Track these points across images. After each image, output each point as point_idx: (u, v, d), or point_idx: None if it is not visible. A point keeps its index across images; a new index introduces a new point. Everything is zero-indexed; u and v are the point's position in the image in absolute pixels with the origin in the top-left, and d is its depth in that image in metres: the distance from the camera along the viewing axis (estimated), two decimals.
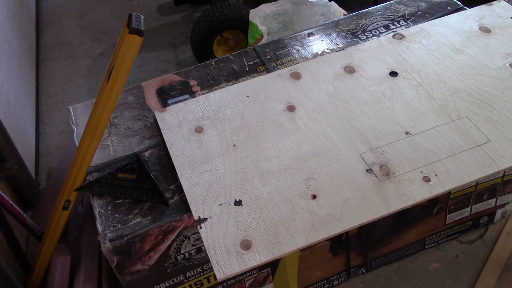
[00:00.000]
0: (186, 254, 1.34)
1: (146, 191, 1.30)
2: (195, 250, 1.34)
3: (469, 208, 1.65)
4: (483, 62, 1.49)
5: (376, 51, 1.60)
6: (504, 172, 1.58)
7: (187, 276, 1.40)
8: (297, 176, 1.28)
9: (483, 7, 1.69)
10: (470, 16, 1.67)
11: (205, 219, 1.20)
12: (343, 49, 1.63)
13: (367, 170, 1.28)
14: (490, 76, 1.46)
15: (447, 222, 1.66)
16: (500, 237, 1.73)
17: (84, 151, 1.30)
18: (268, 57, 1.66)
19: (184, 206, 1.26)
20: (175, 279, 1.39)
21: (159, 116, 1.47)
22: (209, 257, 1.13)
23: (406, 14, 1.76)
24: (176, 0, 2.83)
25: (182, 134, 1.41)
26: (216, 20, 2.30)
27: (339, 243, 1.52)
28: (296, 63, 1.61)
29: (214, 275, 1.11)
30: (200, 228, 1.19)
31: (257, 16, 2.29)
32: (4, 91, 2.00)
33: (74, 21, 3.03)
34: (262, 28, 2.26)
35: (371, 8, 1.82)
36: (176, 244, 1.30)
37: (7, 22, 2.36)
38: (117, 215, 1.26)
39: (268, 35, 2.29)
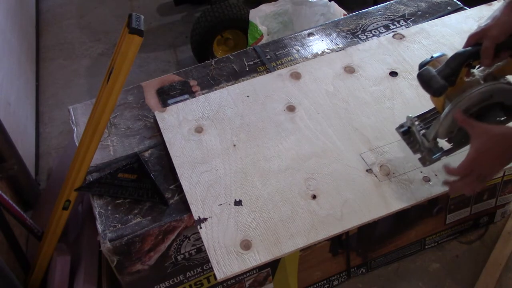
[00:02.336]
0: (186, 254, 1.34)
1: (146, 191, 1.30)
2: (195, 250, 1.34)
3: (469, 208, 1.65)
4: None
5: (376, 51, 1.60)
6: (504, 172, 1.58)
7: (187, 276, 1.40)
8: (297, 176, 1.28)
9: (483, 7, 1.69)
10: (470, 16, 1.67)
11: (205, 219, 1.20)
12: (343, 49, 1.63)
13: (367, 170, 1.28)
14: None
15: (447, 222, 1.66)
16: (500, 237, 1.73)
17: (84, 151, 1.30)
18: (268, 57, 1.66)
19: (184, 206, 1.26)
20: (175, 279, 1.39)
21: (159, 116, 1.47)
22: (209, 257, 1.13)
23: (406, 14, 1.76)
24: (176, 0, 2.83)
25: (182, 134, 1.41)
26: (216, 20, 2.30)
27: (339, 243, 1.52)
28: (296, 63, 1.61)
29: (214, 275, 1.11)
30: (200, 228, 1.19)
31: (257, 16, 2.29)
32: (4, 91, 2.00)
33: (74, 21, 3.03)
34: (262, 28, 2.26)
35: (371, 8, 1.82)
36: (176, 244, 1.30)
37: (7, 22, 2.36)
38: (117, 215, 1.26)
39: (268, 35, 2.29)
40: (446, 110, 1.12)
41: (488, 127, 1.08)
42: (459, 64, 1.08)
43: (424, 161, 1.20)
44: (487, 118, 1.14)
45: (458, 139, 1.17)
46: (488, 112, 1.13)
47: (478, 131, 1.08)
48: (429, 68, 1.10)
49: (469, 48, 1.09)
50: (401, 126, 1.26)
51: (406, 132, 1.24)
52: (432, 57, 1.15)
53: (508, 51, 1.09)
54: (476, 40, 1.08)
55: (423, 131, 1.21)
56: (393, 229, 1.59)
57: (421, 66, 1.16)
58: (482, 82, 1.11)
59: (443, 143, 1.20)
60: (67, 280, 1.47)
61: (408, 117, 1.24)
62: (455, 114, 1.11)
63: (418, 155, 1.21)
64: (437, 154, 1.18)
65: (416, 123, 1.23)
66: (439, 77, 1.08)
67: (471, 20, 1.64)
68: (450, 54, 1.12)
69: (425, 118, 1.24)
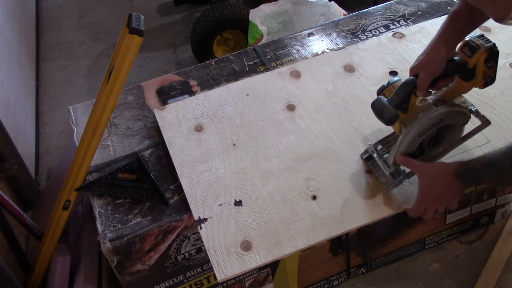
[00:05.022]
0: (186, 254, 1.34)
1: (146, 191, 1.30)
2: (195, 250, 1.34)
3: (469, 208, 1.65)
4: None
5: (376, 50, 1.59)
6: None
7: (187, 276, 1.40)
8: (297, 176, 1.28)
9: None
10: None
11: (205, 219, 1.20)
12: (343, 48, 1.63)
13: (367, 171, 1.28)
14: None
15: (447, 222, 1.66)
16: (500, 237, 1.73)
17: (84, 151, 1.30)
18: (268, 57, 1.66)
19: (184, 206, 1.26)
20: (175, 279, 1.39)
21: (158, 114, 1.47)
22: (210, 257, 1.13)
23: (406, 14, 1.76)
24: (176, 0, 2.83)
25: (181, 132, 1.41)
26: (216, 20, 2.30)
27: (339, 243, 1.52)
28: (296, 63, 1.61)
29: (214, 275, 1.11)
30: (200, 228, 1.19)
31: (257, 16, 2.29)
32: (4, 91, 2.00)
33: (74, 21, 3.02)
34: (262, 28, 2.26)
35: (371, 8, 1.82)
36: (176, 244, 1.30)
37: (7, 22, 2.36)
38: (117, 215, 1.26)
39: (268, 35, 2.29)
40: (400, 137, 1.16)
41: (426, 166, 1.15)
42: (406, 93, 1.12)
43: (387, 186, 1.23)
44: (445, 138, 1.20)
45: None
46: (443, 133, 1.19)
47: (418, 171, 1.16)
48: (381, 97, 1.15)
49: (414, 78, 1.13)
50: (366, 151, 1.30)
51: (369, 158, 1.28)
52: (388, 83, 1.18)
53: (445, 80, 1.15)
54: (416, 73, 1.13)
55: (386, 155, 1.24)
56: (393, 229, 1.59)
57: (379, 92, 1.20)
58: (433, 106, 1.15)
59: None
60: (67, 280, 1.47)
61: (369, 145, 1.28)
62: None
63: (383, 179, 1.23)
64: (399, 178, 1.21)
65: (379, 147, 1.27)
66: (390, 107, 1.12)
67: None
68: None
69: (388, 142, 1.29)
